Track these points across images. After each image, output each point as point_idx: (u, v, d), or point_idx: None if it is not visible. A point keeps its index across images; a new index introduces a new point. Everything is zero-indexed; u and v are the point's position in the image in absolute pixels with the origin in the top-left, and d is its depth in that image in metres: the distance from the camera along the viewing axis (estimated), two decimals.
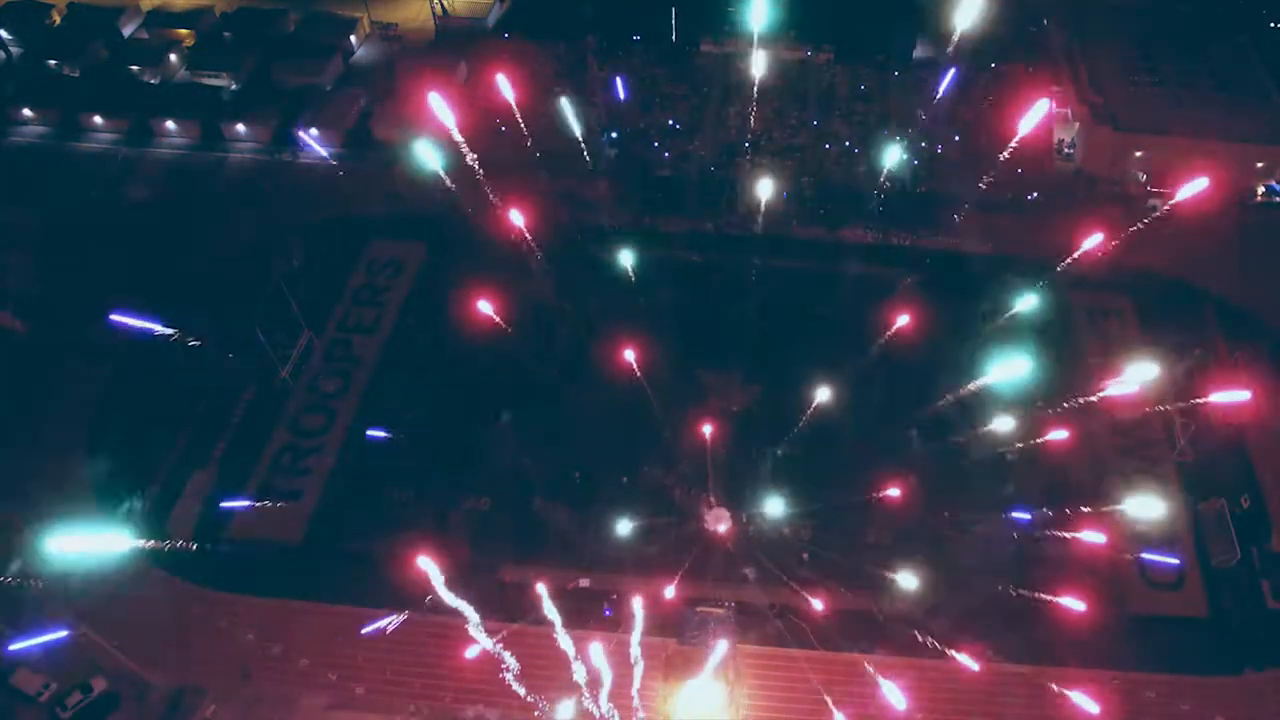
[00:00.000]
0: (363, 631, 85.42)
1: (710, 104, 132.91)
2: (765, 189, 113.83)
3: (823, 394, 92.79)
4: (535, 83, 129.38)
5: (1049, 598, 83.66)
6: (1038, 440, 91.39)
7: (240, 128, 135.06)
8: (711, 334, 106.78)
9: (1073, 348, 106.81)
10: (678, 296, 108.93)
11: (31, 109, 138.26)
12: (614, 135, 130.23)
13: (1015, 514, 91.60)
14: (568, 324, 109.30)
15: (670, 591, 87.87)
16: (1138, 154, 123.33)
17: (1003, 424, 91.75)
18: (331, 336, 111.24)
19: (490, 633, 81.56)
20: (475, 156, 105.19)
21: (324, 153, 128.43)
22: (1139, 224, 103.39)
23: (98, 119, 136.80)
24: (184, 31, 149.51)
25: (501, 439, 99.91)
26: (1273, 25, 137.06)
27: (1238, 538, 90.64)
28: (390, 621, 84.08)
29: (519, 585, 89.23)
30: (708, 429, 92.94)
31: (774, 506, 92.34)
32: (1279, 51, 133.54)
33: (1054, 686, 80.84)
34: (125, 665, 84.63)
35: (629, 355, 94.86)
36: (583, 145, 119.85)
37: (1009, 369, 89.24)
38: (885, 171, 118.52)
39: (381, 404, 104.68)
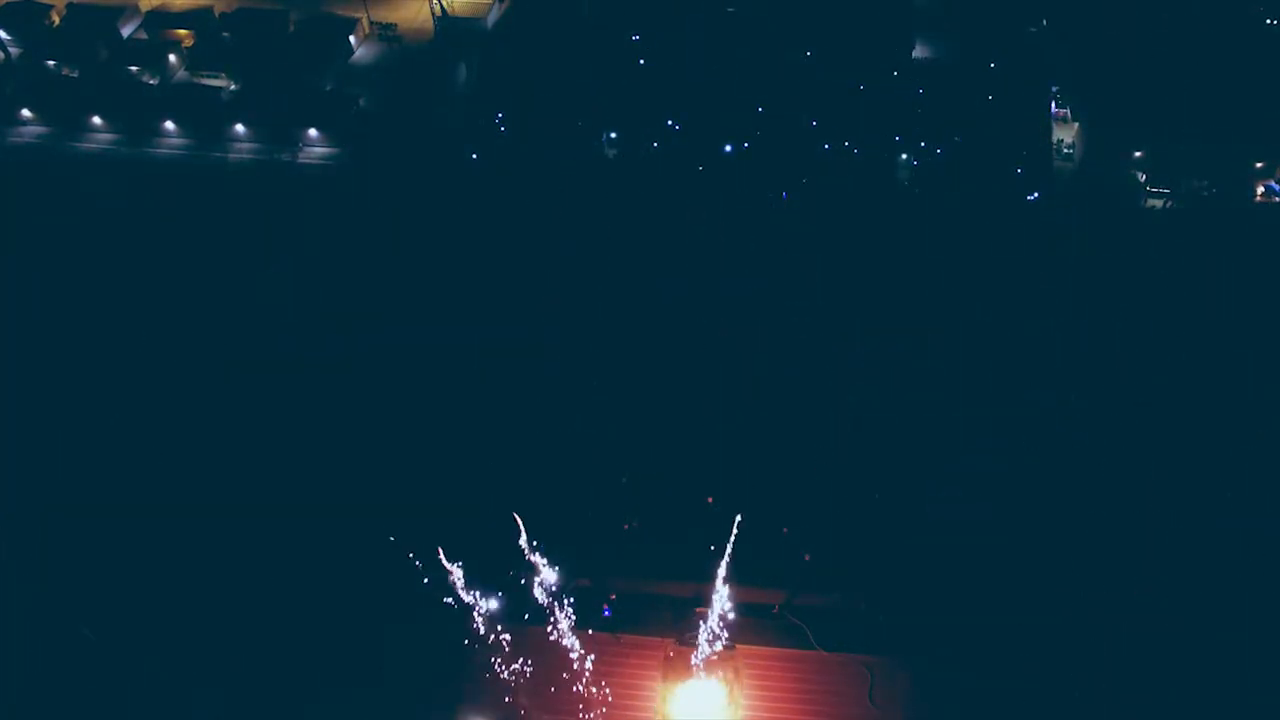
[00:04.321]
0: None
1: None
2: None
3: None
4: None
5: None
6: None
7: (240, 128, 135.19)
8: None
9: None
10: None
11: (30, 109, 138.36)
12: (612, 135, 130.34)
13: None
14: None
15: None
16: (1137, 154, 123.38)
17: None
18: None
19: None
20: None
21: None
22: None
23: (97, 119, 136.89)
24: (183, 32, 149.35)
25: None
26: (1269, 22, 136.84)
27: None
28: None
29: None
30: None
31: None
32: (1277, 50, 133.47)
33: None
34: None
35: None
36: None
37: None
38: None
39: None
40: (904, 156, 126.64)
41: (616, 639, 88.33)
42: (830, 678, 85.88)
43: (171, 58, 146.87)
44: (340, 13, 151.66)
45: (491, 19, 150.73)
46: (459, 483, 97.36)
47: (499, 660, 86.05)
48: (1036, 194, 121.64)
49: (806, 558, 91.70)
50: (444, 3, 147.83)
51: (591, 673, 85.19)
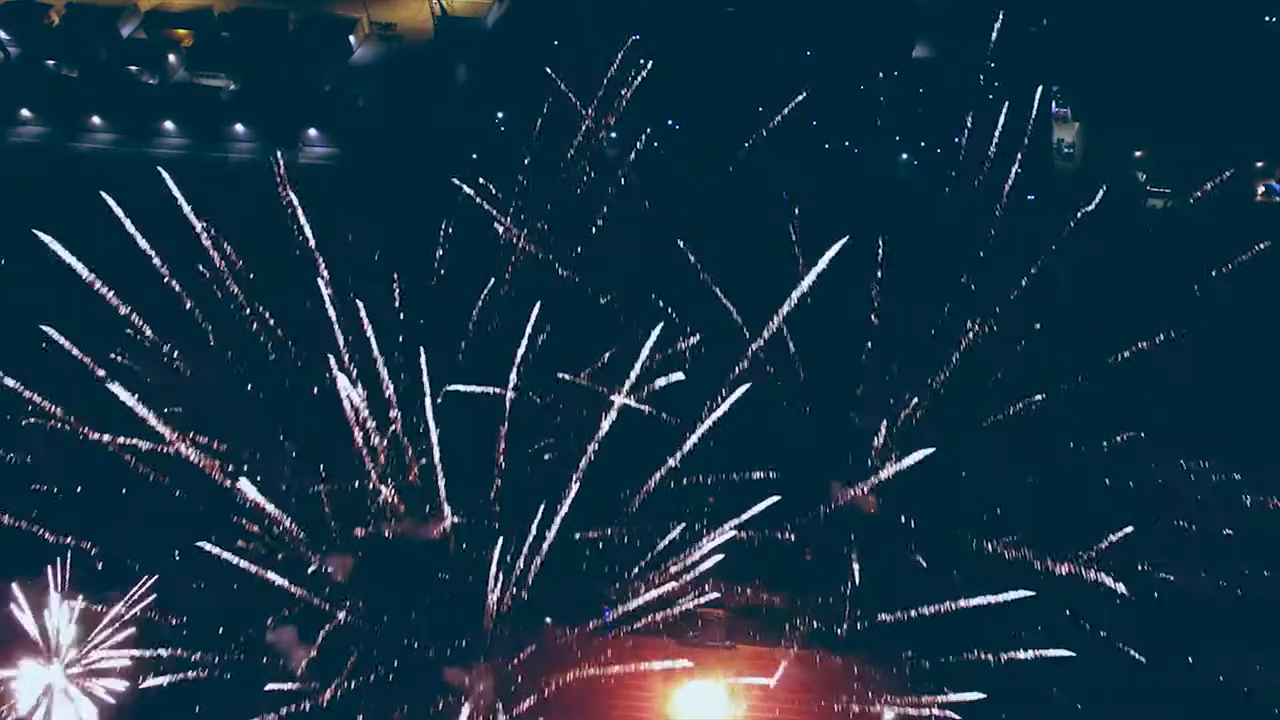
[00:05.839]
0: None
1: None
2: None
3: None
4: None
5: None
6: None
7: (240, 128, 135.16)
8: None
9: None
10: None
11: (30, 109, 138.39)
12: (613, 135, 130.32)
13: None
14: None
15: None
16: (1138, 154, 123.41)
17: None
18: None
19: None
20: None
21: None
22: None
23: (96, 119, 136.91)
24: (183, 32, 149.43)
25: None
26: (1267, 19, 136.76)
27: None
28: None
29: None
30: None
31: None
32: (1277, 49, 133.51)
33: None
34: None
35: None
36: None
37: None
38: None
39: None
40: (904, 156, 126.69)
41: (616, 639, 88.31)
42: (830, 678, 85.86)
43: (171, 57, 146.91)
44: (340, 13, 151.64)
45: (491, 19, 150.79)
46: (458, 483, 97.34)
47: (500, 661, 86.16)
48: (1035, 195, 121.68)
49: (807, 557, 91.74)
50: (444, 3, 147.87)
51: (592, 673, 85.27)
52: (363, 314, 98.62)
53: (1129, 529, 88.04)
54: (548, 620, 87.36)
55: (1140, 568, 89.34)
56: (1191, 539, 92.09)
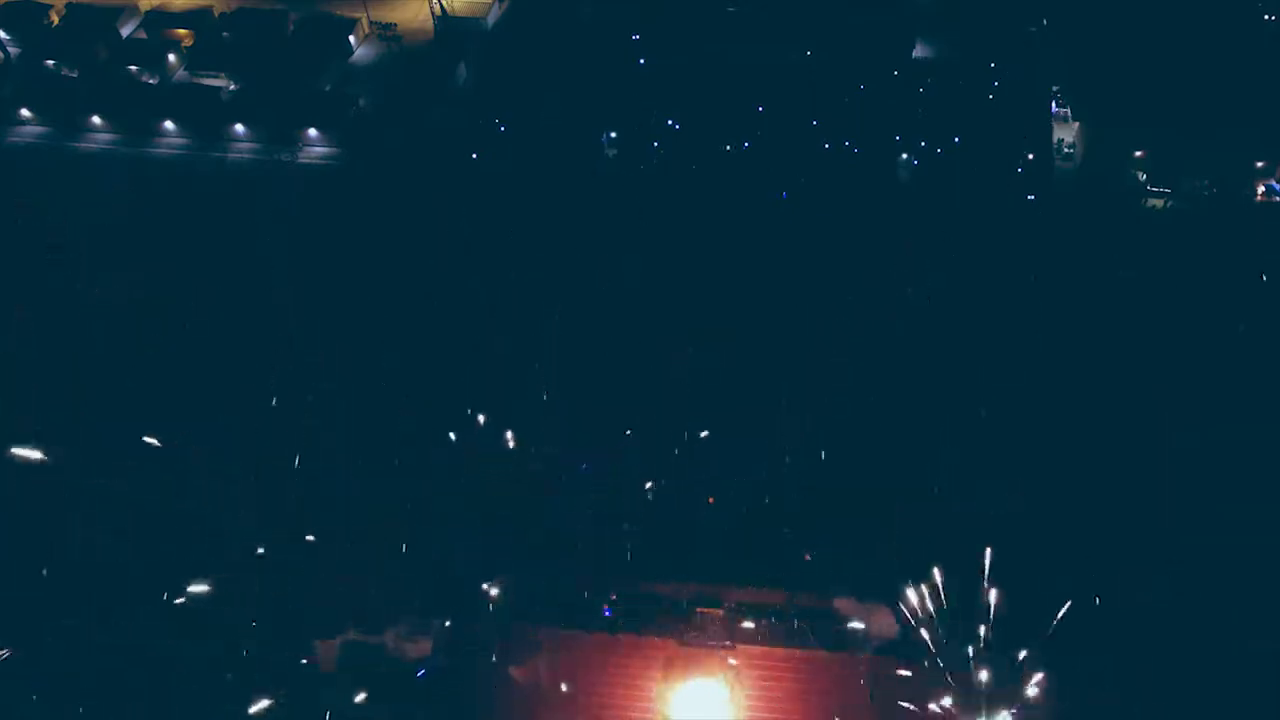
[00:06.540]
0: None
1: None
2: None
3: None
4: None
5: None
6: None
7: (240, 128, 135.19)
8: None
9: None
10: None
11: (30, 109, 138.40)
12: (612, 135, 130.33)
13: None
14: None
15: None
16: (1138, 154, 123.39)
17: None
18: None
19: None
20: None
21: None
22: None
23: (96, 119, 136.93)
24: (183, 32, 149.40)
25: None
26: (1267, 19, 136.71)
27: None
28: None
29: None
30: None
31: None
32: (1276, 48, 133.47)
33: None
34: None
35: None
36: None
37: None
38: None
39: None
40: (904, 156, 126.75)
41: (616, 639, 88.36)
42: (830, 678, 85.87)
43: (171, 57, 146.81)
44: (340, 13, 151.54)
45: (491, 19, 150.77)
46: (457, 484, 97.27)
47: (502, 662, 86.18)
48: (1035, 195, 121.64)
49: (807, 557, 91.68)
50: (444, 3, 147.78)
51: (592, 673, 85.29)
52: None
53: None
54: (548, 620, 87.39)
55: None
56: None
